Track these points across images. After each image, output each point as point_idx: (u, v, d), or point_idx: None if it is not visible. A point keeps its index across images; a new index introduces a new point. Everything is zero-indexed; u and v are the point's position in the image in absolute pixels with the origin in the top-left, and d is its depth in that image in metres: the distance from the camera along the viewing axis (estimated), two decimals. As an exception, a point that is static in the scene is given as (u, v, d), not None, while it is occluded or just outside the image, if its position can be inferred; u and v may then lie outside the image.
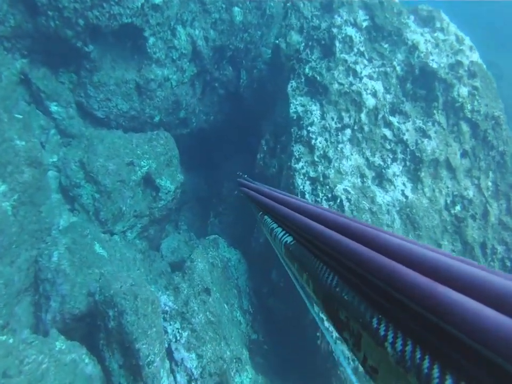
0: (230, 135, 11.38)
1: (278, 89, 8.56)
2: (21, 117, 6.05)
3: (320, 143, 7.20)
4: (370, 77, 7.68)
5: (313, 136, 7.22)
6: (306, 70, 7.72)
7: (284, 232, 1.31)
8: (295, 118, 7.43)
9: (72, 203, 7.16)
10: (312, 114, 7.34)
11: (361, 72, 7.62)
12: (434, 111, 7.78)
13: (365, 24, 7.84)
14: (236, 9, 9.68)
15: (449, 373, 0.50)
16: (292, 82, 7.74)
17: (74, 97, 7.77)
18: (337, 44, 7.70)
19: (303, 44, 7.96)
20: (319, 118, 7.33)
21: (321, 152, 7.17)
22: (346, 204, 6.85)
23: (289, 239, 1.23)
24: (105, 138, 7.37)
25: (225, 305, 7.31)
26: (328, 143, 7.22)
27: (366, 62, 7.73)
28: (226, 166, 11.12)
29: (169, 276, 8.37)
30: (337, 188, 6.91)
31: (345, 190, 6.95)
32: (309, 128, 7.26)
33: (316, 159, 7.13)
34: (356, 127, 7.35)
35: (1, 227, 5.41)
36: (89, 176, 7.05)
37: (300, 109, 7.48)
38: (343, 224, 0.91)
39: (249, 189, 2.14)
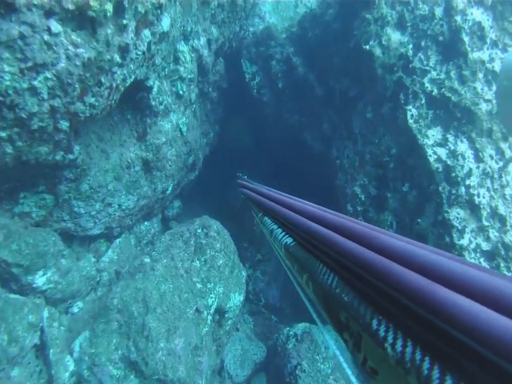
0: (242, 153, 8.35)
1: (358, 107, 5.79)
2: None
3: (484, 198, 4.89)
4: (508, 74, 5.25)
5: (475, 192, 4.85)
6: (427, 85, 5.07)
7: (283, 233, 1.27)
8: (440, 169, 4.92)
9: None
10: (465, 159, 4.88)
11: (501, 73, 5.14)
12: None
13: (490, -3, 5.15)
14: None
15: (449, 374, 0.49)
16: (409, 109, 5.08)
17: (52, 226, 4.48)
18: (464, 37, 5.00)
19: (410, 46, 5.09)
20: (473, 161, 4.91)
21: (488, 210, 4.89)
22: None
23: (289, 240, 1.19)
24: (145, 292, 4.39)
25: None
26: (492, 193, 4.94)
27: (500, 54, 5.18)
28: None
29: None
30: (525, 258, 4.82)
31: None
32: (467, 181, 4.86)
33: (485, 222, 4.85)
34: (516, 156, 5.10)
35: None
36: (150, 379, 4.17)
37: (441, 152, 4.97)
38: (342, 224, 0.91)
39: (249, 190, 2.09)
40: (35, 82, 2.94)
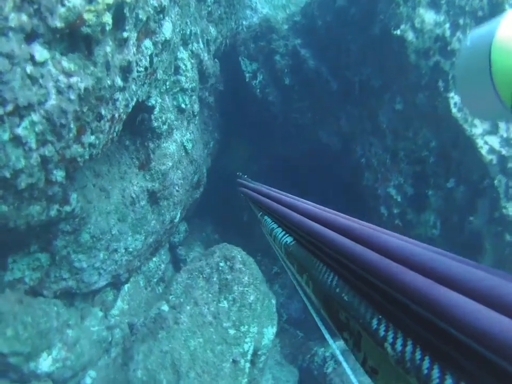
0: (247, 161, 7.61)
1: (384, 98, 5.13)
2: None
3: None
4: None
5: (533, 183, 4.37)
6: (468, 69, 4.35)
7: (283, 232, 1.26)
8: (495, 161, 4.38)
9: None
10: (517, 146, 4.37)
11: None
12: None
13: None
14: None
15: (449, 373, 0.48)
16: (451, 97, 4.47)
17: (51, 288, 3.73)
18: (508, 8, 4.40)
19: (447, 25, 4.42)
20: (528, 151, 4.43)
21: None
22: None
23: (289, 239, 1.19)
24: (173, 355, 3.70)
25: None
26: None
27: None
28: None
29: None
30: None
31: None
32: (526, 169, 4.35)
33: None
34: None
35: None
36: None
37: (494, 141, 4.60)
38: (343, 224, 0.90)
39: (249, 189, 2.06)
40: (19, 130, 2.17)
